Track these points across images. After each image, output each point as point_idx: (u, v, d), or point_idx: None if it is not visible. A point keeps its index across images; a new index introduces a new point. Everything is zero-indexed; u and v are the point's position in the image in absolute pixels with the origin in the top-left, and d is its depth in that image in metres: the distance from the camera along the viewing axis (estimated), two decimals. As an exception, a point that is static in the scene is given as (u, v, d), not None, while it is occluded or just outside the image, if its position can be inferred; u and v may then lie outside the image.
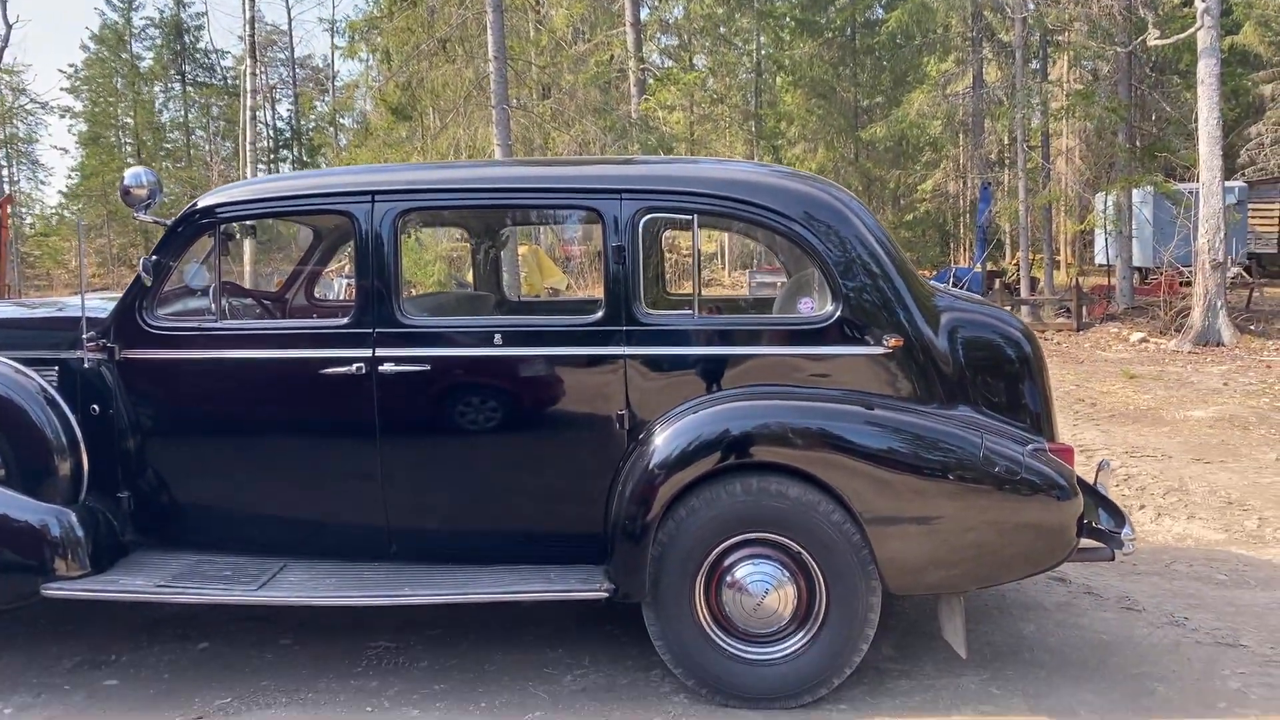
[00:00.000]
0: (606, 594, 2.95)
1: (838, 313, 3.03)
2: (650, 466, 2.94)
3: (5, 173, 34.53)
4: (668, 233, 4.34)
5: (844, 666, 2.96)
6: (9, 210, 13.14)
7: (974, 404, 3.08)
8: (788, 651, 2.97)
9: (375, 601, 3.05)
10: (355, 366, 3.13)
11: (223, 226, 3.37)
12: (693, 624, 2.96)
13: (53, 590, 3.16)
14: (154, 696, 3.22)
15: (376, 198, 3.17)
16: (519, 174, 3.55)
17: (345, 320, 3.23)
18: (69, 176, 38.63)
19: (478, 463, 3.17)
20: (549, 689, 3.18)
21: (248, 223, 3.70)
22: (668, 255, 5.89)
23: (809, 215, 3.09)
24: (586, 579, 3.03)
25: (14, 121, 34.69)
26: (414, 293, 6.66)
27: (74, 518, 3.25)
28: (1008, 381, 3.20)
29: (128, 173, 3.27)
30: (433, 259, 14.50)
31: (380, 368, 3.12)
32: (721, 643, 2.98)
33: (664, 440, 2.96)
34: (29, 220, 35.33)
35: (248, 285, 4.26)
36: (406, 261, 3.75)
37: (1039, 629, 3.58)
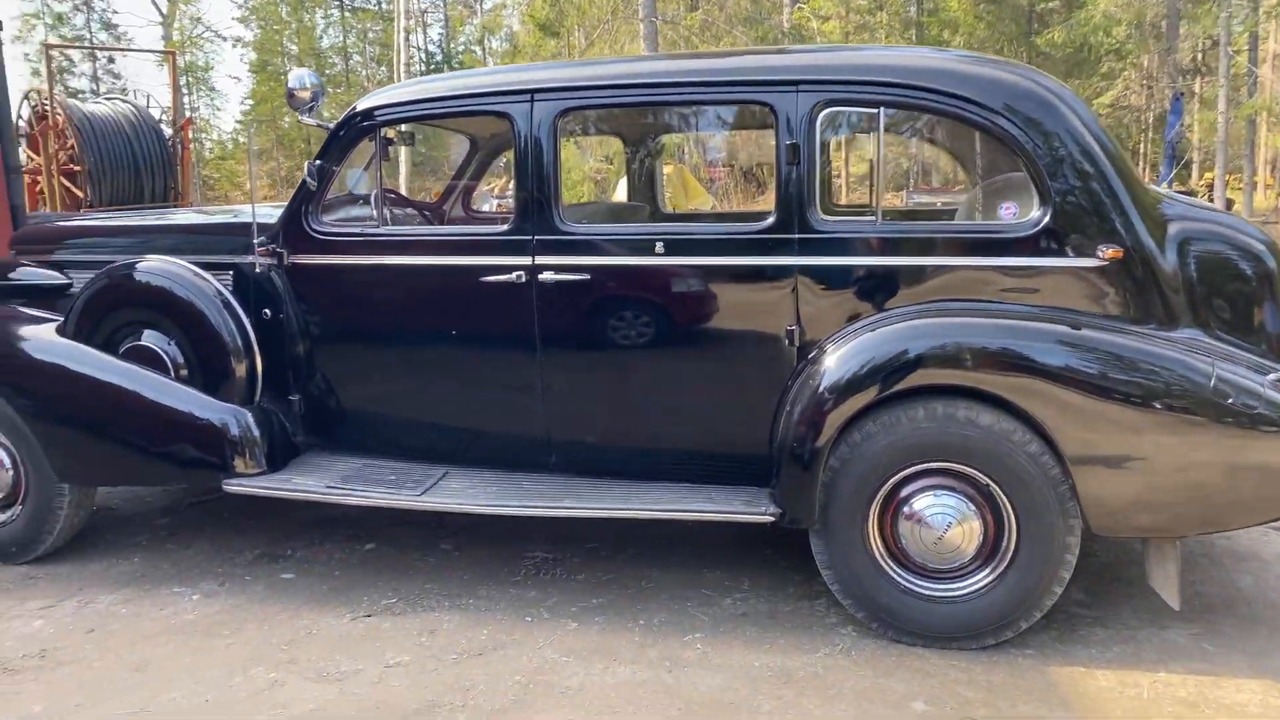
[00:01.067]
0: (772, 518, 2.79)
1: (1045, 219, 2.68)
2: (822, 388, 2.72)
3: (186, 99, 36.82)
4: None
5: (1033, 609, 2.71)
6: (189, 132, 13.93)
7: (1204, 326, 2.69)
8: (970, 590, 2.73)
9: (534, 512, 3.01)
10: (515, 275, 3.04)
11: (383, 129, 3.32)
12: (865, 555, 2.76)
13: (233, 486, 3.29)
14: (326, 593, 3.32)
15: (536, 96, 3.02)
16: (685, 67, 3.31)
17: (505, 228, 3.13)
18: (242, 103, 40.87)
19: (638, 376, 3.04)
20: (708, 611, 3.08)
21: (406, 127, 3.65)
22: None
23: (1012, 107, 2.72)
24: (750, 501, 2.87)
25: (193, 50, 36.78)
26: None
27: (250, 418, 3.36)
28: (1245, 302, 2.78)
29: (292, 75, 3.26)
30: (580, 179, 14.48)
31: (540, 276, 3.01)
32: (896, 576, 2.77)
33: (838, 359, 2.73)
34: (208, 145, 37.72)
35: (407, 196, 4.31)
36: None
37: (1257, 582, 3.19)
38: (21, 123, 13.43)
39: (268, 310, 3.46)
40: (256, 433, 3.35)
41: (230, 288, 3.51)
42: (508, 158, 4.66)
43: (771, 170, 3.74)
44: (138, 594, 3.35)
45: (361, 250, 3.27)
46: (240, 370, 3.40)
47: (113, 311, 3.45)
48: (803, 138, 2.77)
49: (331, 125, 3.39)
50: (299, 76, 3.23)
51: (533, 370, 3.10)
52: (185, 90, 37.20)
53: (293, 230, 3.37)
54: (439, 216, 4.35)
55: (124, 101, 13.80)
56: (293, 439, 3.52)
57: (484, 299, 3.11)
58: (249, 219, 3.41)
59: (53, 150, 12.28)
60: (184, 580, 3.46)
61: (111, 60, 33.71)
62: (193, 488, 3.51)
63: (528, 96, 3.02)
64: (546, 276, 3.01)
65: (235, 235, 3.51)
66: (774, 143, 2.85)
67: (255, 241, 3.36)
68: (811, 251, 2.79)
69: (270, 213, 3.54)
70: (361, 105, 3.32)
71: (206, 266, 3.52)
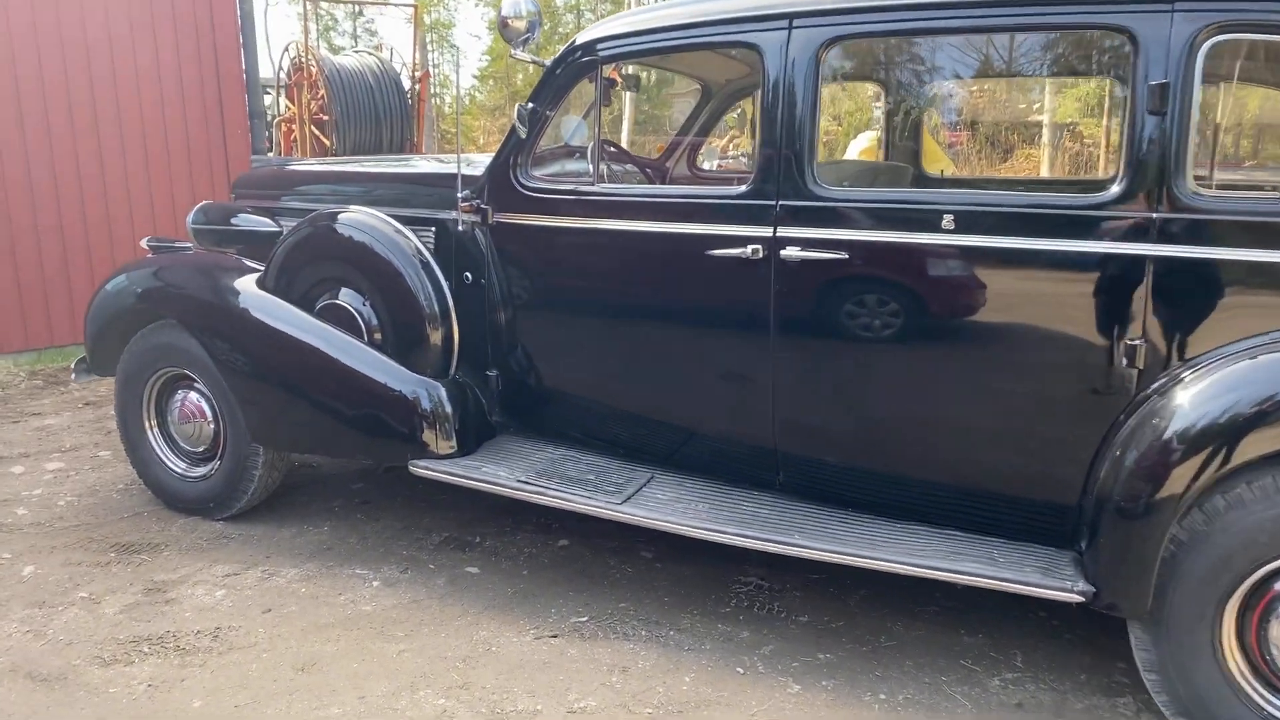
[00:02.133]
0: (1081, 599, 2.06)
1: None
2: (1175, 430, 1.95)
3: (429, 55, 38.74)
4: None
5: None
6: (426, 85, 14.33)
7: None
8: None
9: (753, 544, 2.44)
10: (750, 249, 2.45)
11: (605, 68, 2.81)
12: (1214, 666, 1.98)
13: (420, 468, 2.95)
14: (511, 598, 2.94)
15: (795, 22, 2.39)
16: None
17: (741, 190, 2.54)
18: (480, 60, 42.49)
19: (900, 387, 2.38)
20: (970, 692, 2.40)
21: (632, 67, 3.13)
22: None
23: None
24: (1048, 569, 2.15)
25: (439, 8, 38.55)
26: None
27: (444, 392, 3.01)
28: None
29: (505, 1, 2.81)
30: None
31: (782, 252, 2.40)
32: (1260, 700, 1.98)
33: (1205, 393, 1.94)
34: (447, 101, 39.66)
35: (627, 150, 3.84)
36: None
37: None
38: (282, 74, 14.38)
39: (469, 273, 3.08)
40: (449, 409, 3.00)
41: (431, 246, 3.16)
42: (743, 108, 4.07)
43: (1025, 136, 2.93)
44: (320, 571, 3.12)
45: (573, 211, 2.80)
46: (436, 339, 3.05)
47: (311, 265, 3.20)
48: (1176, 75, 1.97)
49: (547, 63, 2.92)
50: (514, 3, 2.78)
51: (764, 368, 2.52)
52: (429, 47, 39.22)
53: (499, 184, 2.95)
54: (660, 175, 3.83)
55: (370, 55, 14.35)
56: (488, 418, 3.15)
57: (710, 275, 2.55)
58: (454, 169, 3.03)
59: (306, 100, 12.97)
60: (367, 560, 3.19)
61: (367, 18, 35.99)
62: (378, 464, 3.25)
63: (784, 22, 2.40)
64: (790, 253, 2.39)
65: (438, 187, 3.15)
66: (1121, 83, 2.07)
67: (459, 195, 2.97)
68: (1177, 237, 1.99)
69: (481, 163, 3.15)
70: (581, 38, 2.82)
71: (408, 221, 3.19)
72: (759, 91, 2.44)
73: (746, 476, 2.66)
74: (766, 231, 2.42)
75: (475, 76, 41.41)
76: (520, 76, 35.80)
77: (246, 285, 3.27)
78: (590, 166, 2.87)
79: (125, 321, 3.52)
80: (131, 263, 3.62)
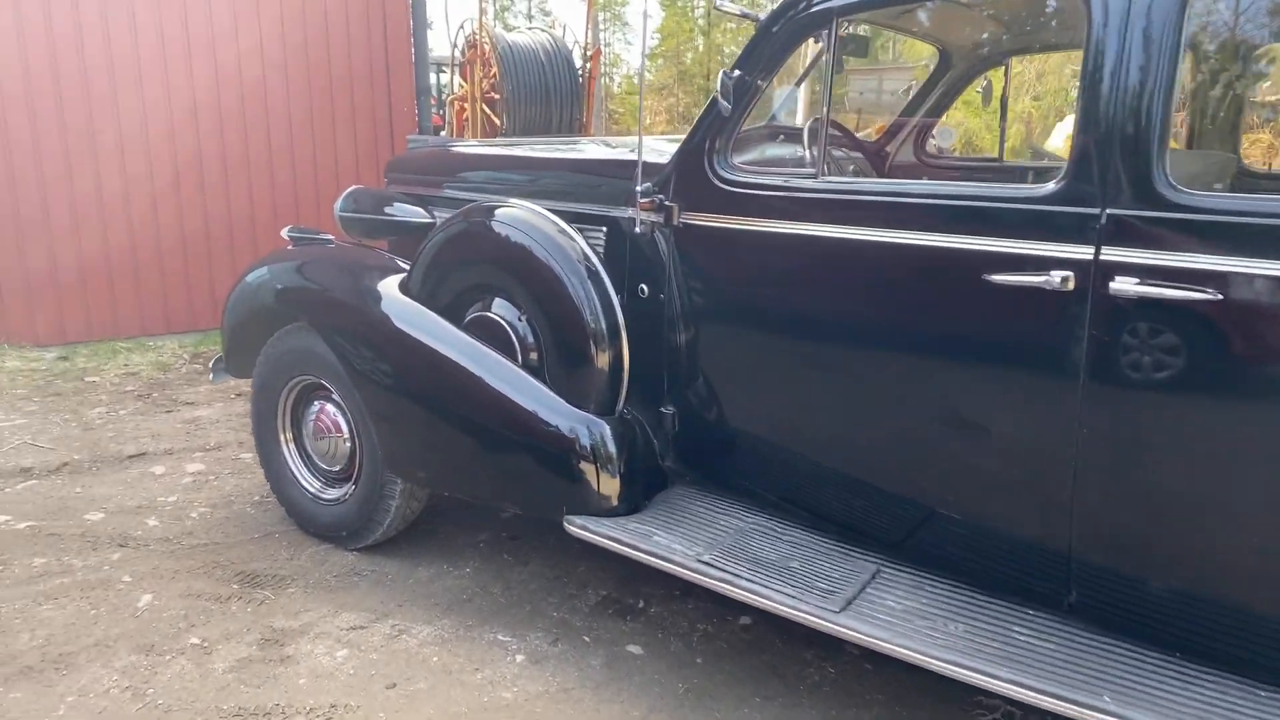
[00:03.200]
0: None
1: None
2: None
3: (602, 34, 38.67)
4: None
5: None
6: (598, 63, 13.92)
7: None
8: None
9: (1050, 705, 1.70)
10: (1056, 276, 1.70)
11: (839, 23, 2.11)
12: None
13: (577, 528, 2.38)
14: (682, 696, 2.33)
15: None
16: None
17: (1047, 190, 1.79)
18: (652, 38, 42.10)
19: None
20: None
21: (864, 27, 2.43)
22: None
23: None
24: None
25: (612, -14, 38.38)
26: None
27: (608, 431, 2.43)
28: None
29: (716, -64, 2.16)
30: (1011, 120, 12.22)
31: (1111, 284, 1.65)
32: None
33: None
34: (617, 80, 39.50)
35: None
36: (970, 119, 2.29)
37: None
38: (457, 51, 14.35)
39: (644, 286, 2.48)
40: (614, 452, 2.42)
41: (601, 250, 2.58)
42: (991, 79, 3.27)
43: None
44: (456, 631, 2.62)
45: (788, 212, 2.13)
46: (602, 364, 2.47)
47: (461, 268, 2.68)
48: None
49: (760, 17, 2.26)
50: (724, -60, 2.14)
51: (1063, 441, 1.77)
52: (601, 25, 39.13)
53: (689, 176, 2.33)
54: (879, 165, 3.10)
55: (543, 31, 14.08)
56: (660, 464, 2.55)
57: (987, 309, 1.83)
58: (632, 156, 2.43)
59: (478, 77, 12.83)
60: (512, 622, 2.67)
61: (544, 2, 36.30)
62: (526, 515, 2.73)
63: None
64: (1122, 286, 1.64)
65: (612, 178, 2.56)
66: None
67: (637, 189, 2.36)
68: None
69: (664, 149, 2.53)
70: (812, -16, 2.14)
71: (575, 218, 2.62)
72: (1086, 50, 1.68)
73: (1019, 587, 1.93)
74: (1084, 252, 1.68)
75: (645, 55, 41.03)
76: (689, 55, 35.20)
77: (388, 289, 2.80)
78: (810, 154, 2.19)
79: (261, 320, 3.15)
80: (273, 254, 3.24)
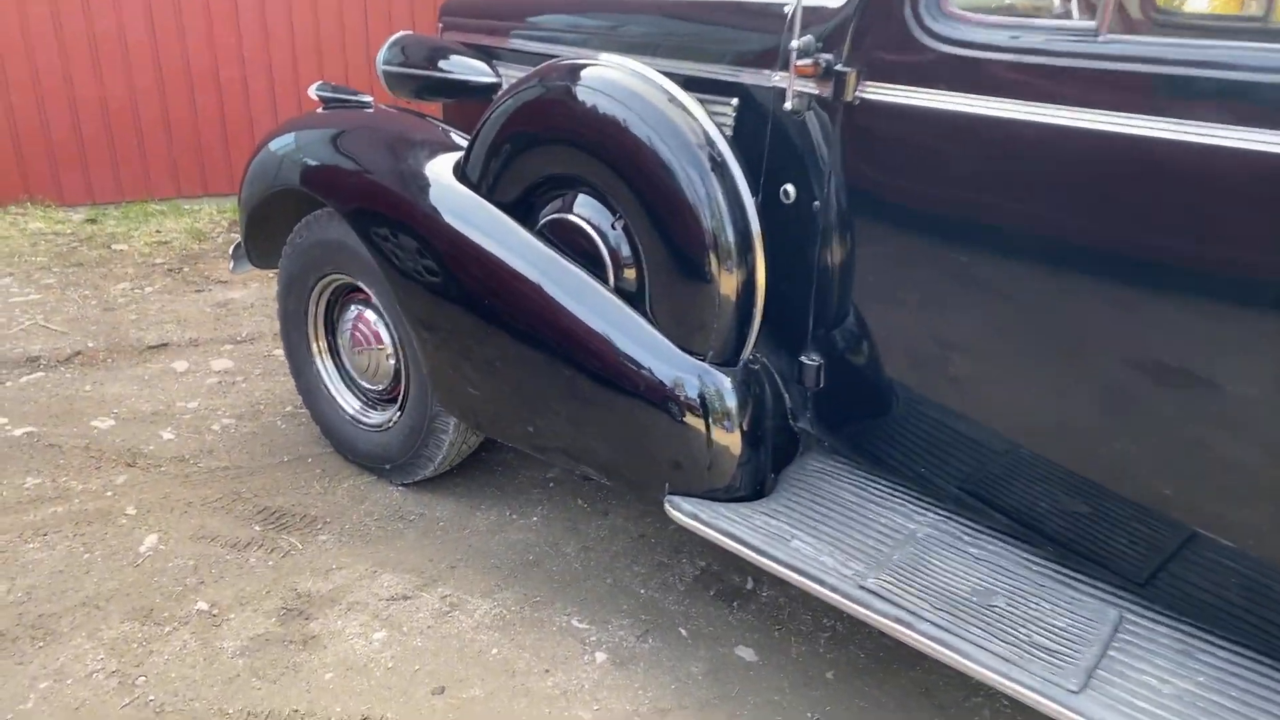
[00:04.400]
0: None
1: None
2: None
3: None
4: None
5: None
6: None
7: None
8: None
9: None
10: None
11: None
12: None
13: (683, 514, 1.79)
14: (809, 736, 1.80)
15: None
16: None
17: None
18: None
19: None
20: None
21: None
22: None
23: None
24: None
25: None
26: None
27: (728, 387, 1.80)
28: None
29: None
30: None
31: None
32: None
33: None
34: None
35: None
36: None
37: None
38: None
39: (790, 187, 1.78)
40: (735, 413, 1.79)
41: (729, 133, 1.87)
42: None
43: None
44: (521, 611, 2.10)
45: (1049, 91, 1.38)
46: (726, 293, 1.80)
47: (534, 150, 1.99)
48: None
49: None
50: None
51: None
52: None
53: (878, 29, 1.58)
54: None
55: None
56: (792, 425, 1.92)
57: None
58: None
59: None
60: (588, 600, 2.14)
61: None
62: (613, 487, 2.14)
63: None
64: None
65: (752, 29, 1.82)
66: None
67: (793, 45, 1.63)
68: None
69: None
70: None
71: (694, 85, 1.90)
72: None
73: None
74: None
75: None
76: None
77: (439, 173, 2.13)
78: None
79: (284, 201, 2.53)
80: (298, 118, 2.58)
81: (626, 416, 1.85)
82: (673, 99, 1.82)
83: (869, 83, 1.59)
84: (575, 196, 1.96)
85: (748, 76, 1.84)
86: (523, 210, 2.03)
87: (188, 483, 2.58)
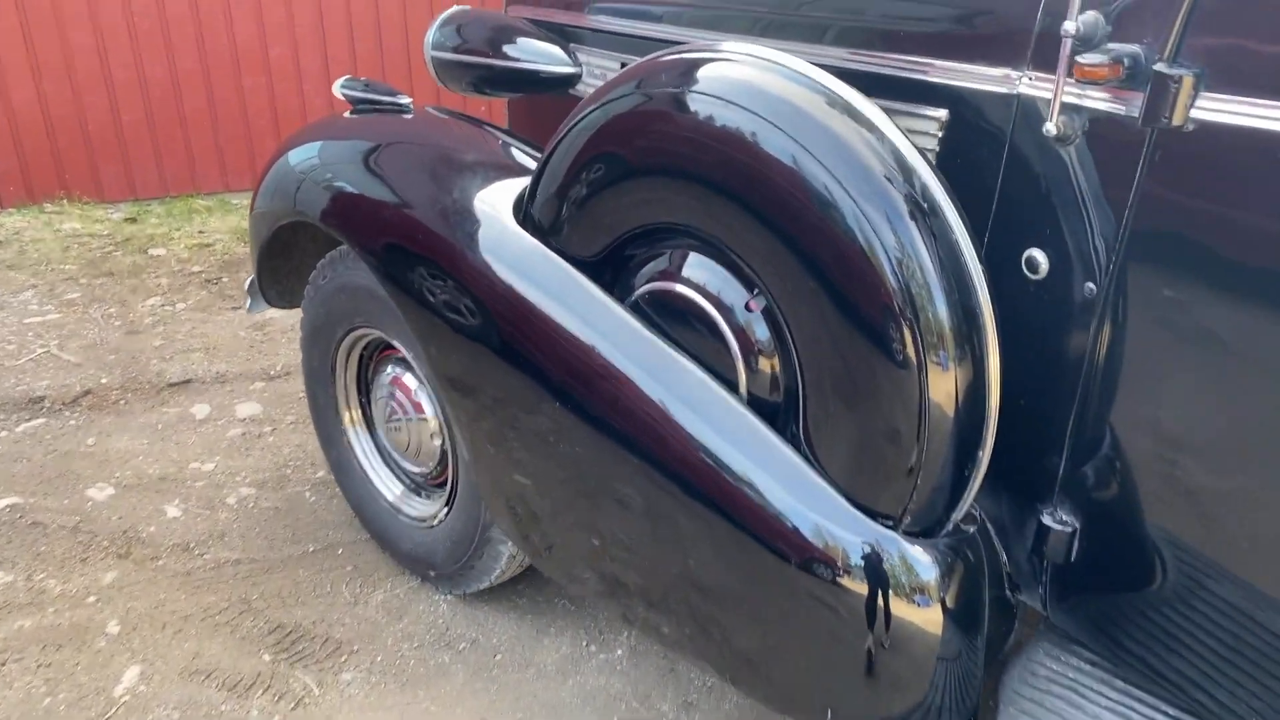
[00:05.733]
0: None
1: None
2: None
3: None
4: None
5: None
6: None
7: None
8: None
9: None
10: None
11: None
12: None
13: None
14: None
15: None
16: None
17: None
18: None
19: None
20: None
21: None
22: None
23: None
24: None
25: None
26: None
27: (935, 575, 1.16)
28: None
29: None
30: None
31: None
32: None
33: None
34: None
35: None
36: None
37: None
38: None
39: (1040, 254, 1.11)
40: (939, 624, 1.15)
41: (933, 160, 1.20)
42: None
43: None
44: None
45: None
46: (937, 416, 1.14)
47: (627, 186, 1.35)
48: None
49: None
50: None
51: None
52: None
53: (1235, 10, 0.89)
54: None
55: None
56: (1010, 601, 1.27)
57: None
58: None
59: None
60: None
61: None
62: (740, 694, 1.50)
63: None
64: None
65: (981, 9, 1.15)
66: None
67: (1068, 27, 0.96)
68: None
69: None
70: None
71: (874, 86, 1.24)
72: None
73: None
74: None
75: None
76: None
77: (494, 211, 1.52)
78: None
79: (301, 231, 1.97)
80: (321, 124, 2.00)
81: (762, 603, 1.23)
82: (847, 108, 1.16)
83: (1219, 95, 0.91)
84: (688, 256, 1.32)
85: (966, 76, 1.16)
86: (611, 272, 1.40)
87: (188, 584, 2.06)
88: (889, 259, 1.10)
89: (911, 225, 1.10)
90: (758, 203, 1.19)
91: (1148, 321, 1.04)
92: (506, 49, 2.04)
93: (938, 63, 1.20)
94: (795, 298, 1.20)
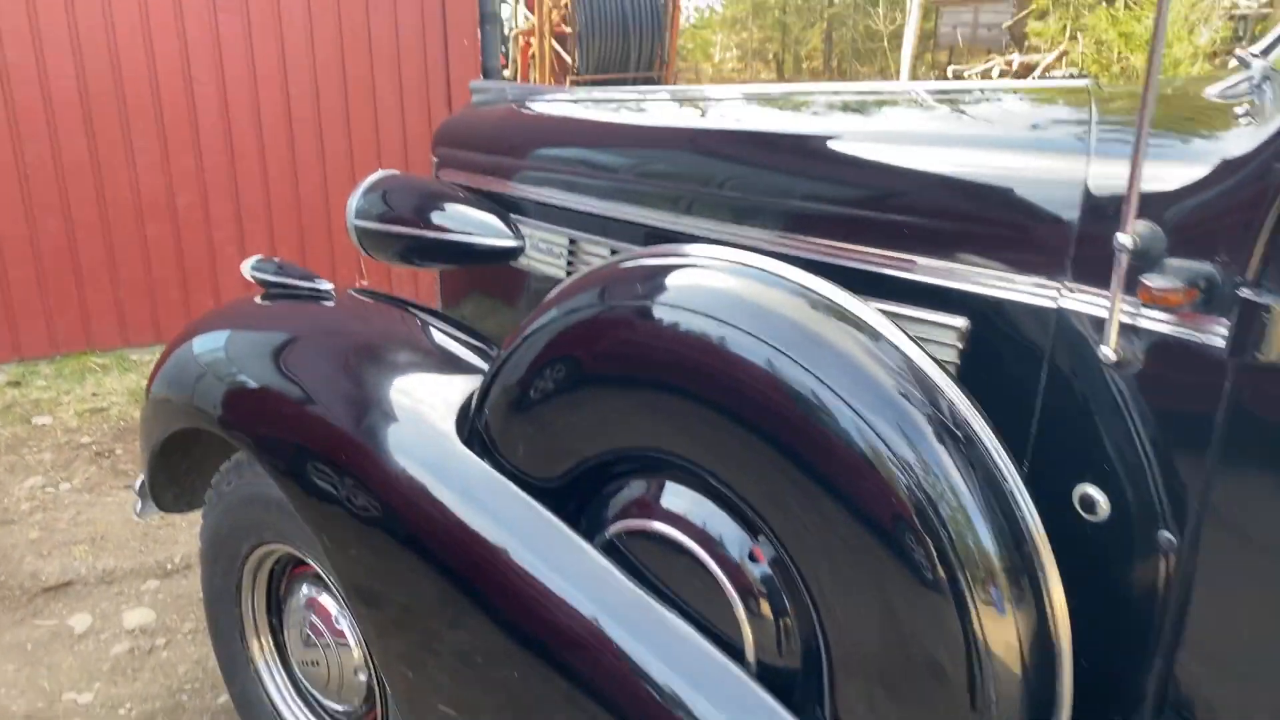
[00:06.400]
0: None
1: None
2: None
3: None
4: None
5: None
6: (681, -8, 12.08)
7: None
8: None
9: None
10: None
11: None
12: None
13: None
14: None
15: None
16: None
17: None
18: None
19: None
20: None
21: None
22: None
23: None
24: None
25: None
26: None
27: None
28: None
29: None
30: (1188, 56, 9.91)
31: None
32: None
33: None
34: (686, 13, 36.85)
35: None
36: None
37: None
38: (523, -22, 12.61)
39: (1098, 493, 0.94)
40: None
41: (955, 370, 1.04)
42: None
43: None
44: None
45: None
46: (989, 695, 0.93)
47: (593, 406, 1.14)
48: None
49: None
50: None
51: None
52: (672, -47, 36.55)
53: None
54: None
55: (620, -47, 12.29)
56: None
57: None
58: (1071, 151, 0.89)
59: (547, 8, 11.14)
60: None
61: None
62: None
63: None
64: None
65: (1019, 214, 1.00)
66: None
67: (1121, 240, 0.81)
68: None
69: (1202, 150, 0.93)
70: None
71: (875, 288, 1.08)
72: None
73: None
74: None
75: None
76: (767, -13, 32.94)
77: (431, 425, 1.29)
78: None
79: (195, 435, 1.70)
80: (225, 311, 1.76)
81: None
82: (849, 318, 0.99)
83: (1324, 328, 0.76)
84: (676, 490, 1.11)
85: (990, 282, 1.01)
86: (576, 503, 1.18)
87: None
88: (921, 491, 0.91)
89: (944, 451, 0.93)
90: (754, 432, 1.00)
91: (1237, 581, 0.87)
92: (438, 218, 1.86)
93: (953, 264, 1.05)
94: (808, 545, 0.99)
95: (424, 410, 1.31)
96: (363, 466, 1.30)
